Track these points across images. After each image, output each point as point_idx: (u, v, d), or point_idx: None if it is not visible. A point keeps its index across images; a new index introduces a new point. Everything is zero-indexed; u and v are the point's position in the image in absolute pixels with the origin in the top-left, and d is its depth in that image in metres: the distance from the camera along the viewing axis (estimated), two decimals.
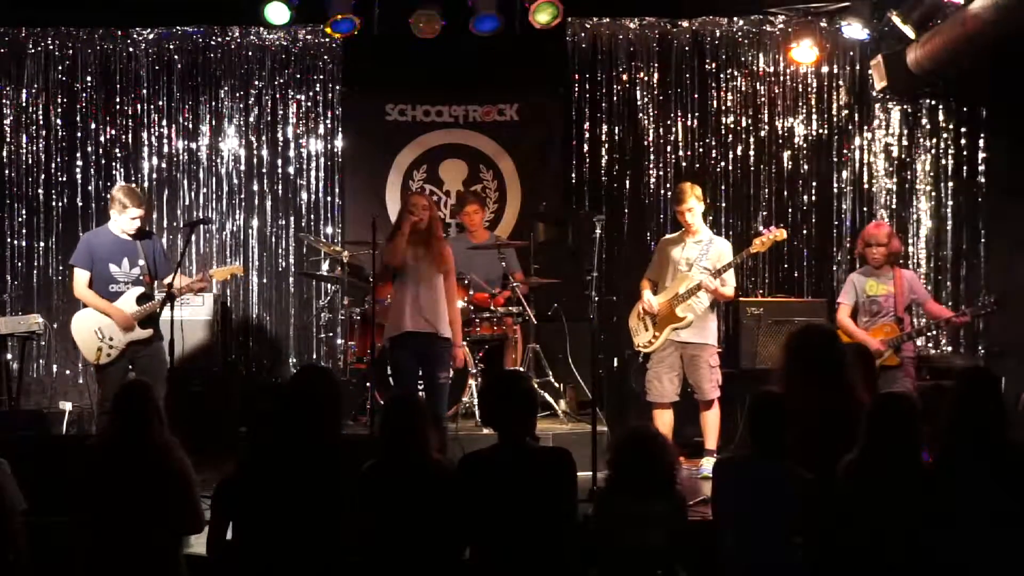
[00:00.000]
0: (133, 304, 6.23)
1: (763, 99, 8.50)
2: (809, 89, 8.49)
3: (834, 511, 3.71)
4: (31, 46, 8.37)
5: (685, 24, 8.45)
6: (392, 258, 5.99)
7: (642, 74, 8.52)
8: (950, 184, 8.31)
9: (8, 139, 8.38)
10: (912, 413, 3.76)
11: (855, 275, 6.67)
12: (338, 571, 3.78)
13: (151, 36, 8.42)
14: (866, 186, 8.45)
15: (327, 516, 3.76)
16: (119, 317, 6.17)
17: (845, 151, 8.47)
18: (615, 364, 7.93)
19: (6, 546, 4.10)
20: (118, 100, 8.43)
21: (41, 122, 8.40)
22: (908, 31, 7.20)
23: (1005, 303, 6.49)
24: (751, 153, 8.52)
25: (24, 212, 8.41)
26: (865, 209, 8.43)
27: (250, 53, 8.48)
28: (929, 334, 7.49)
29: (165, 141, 8.48)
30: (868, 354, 5.09)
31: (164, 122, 8.47)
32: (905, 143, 8.41)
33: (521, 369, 7.21)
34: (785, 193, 8.50)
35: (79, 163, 8.42)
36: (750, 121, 8.51)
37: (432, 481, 3.85)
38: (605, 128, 8.53)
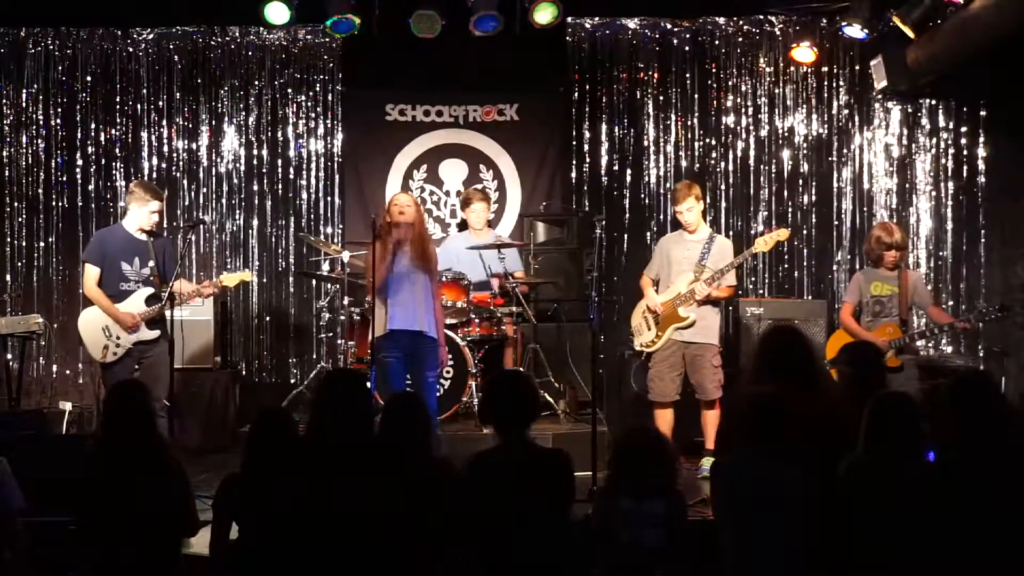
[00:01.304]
0: (142, 304, 6.22)
1: (763, 99, 8.50)
2: (809, 89, 8.49)
3: (834, 511, 3.71)
4: (31, 46, 8.38)
5: (685, 24, 8.45)
6: (380, 279, 6.00)
7: (642, 74, 8.52)
8: (950, 184, 8.31)
9: (8, 139, 8.39)
10: (912, 412, 3.76)
11: (860, 274, 6.67)
12: (339, 571, 3.78)
13: (151, 36, 8.42)
14: (866, 186, 8.45)
15: (328, 515, 3.76)
16: (128, 321, 6.15)
17: (845, 151, 8.47)
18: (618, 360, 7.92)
19: (5, 545, 4.11)
20: (118, 100, 8.44)
21: (41, 122, 8.40)
22: (908, 31, 7.20)
23: (1010, 309, 6.49)
24: (751, 153, 8.52)
25: (24, 212, 8.41)
26: (865, 209, 8.43)
27: (250, 53, 8.49)
28: (931, 337, 7.49)
29: (165, 141, 8.48)
30: (874, 352, 5.00)
31: (164, 122, 8.47)
32: (905, 143, 8.41)
33: (522, 369, 7.20)
34: (785, 193, 8.50)
35: (79, 163, 8.42)
36: (750, 121, 8.51)
37: (432, 480, 3.85)
38: (605, 128, 8.53)
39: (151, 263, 6.23)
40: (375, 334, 5.98)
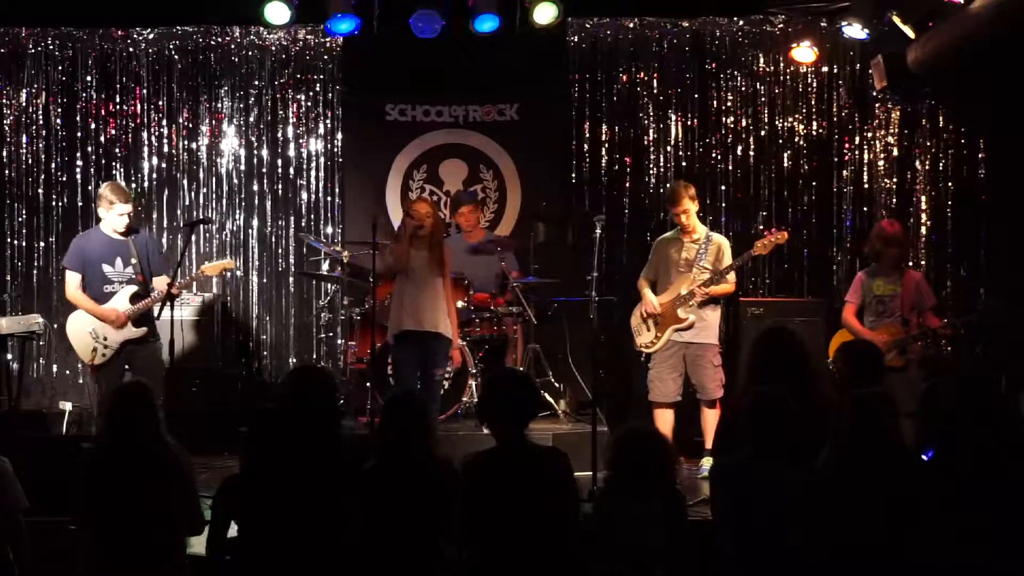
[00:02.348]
0: (126, 303, 6.23)
1: (763, 99, 8.49)
2: (809, 89, 8.49)
3: (819, 510, 3.71)
4: (31, 46, 8.36)
5: (685, 24, 8.44)
6: (397, 264, 6.17)
7: (642, 74, 8.51)
8: (950, 184, 8.30)
9: (8, 139, 8.38)
10: (886, 411, 3.75)
11: (863, 274, 6.67)
12: (340, 570, 3.78)
13: (151, 36, 8.41)
14: (866, 186, 8.44)
15: (329, 516, 3.76)
16: (112, 317, 6.16)
17: (845, 151, 8.47)
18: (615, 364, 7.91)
19: (7, 545, 4.11)
20: (118, 100, 8.43)
21: (41, 122, 8.39)
22: (908, 31, 7.20)
23: (993, 316, 6.52)
24: (751, 153, 8.51)
25: (24, 212, 8.40)
26: (865, 209, 8.42)
27: (250, 53, 8.48)
28: (932, 337, 7.48)
29: (165, 141, 8.48)
30: (869, 350, 5.03)
31: (164, 122, 8.46)
32: (905, 143, 8.40)
33: (520, 368, 7.20)
34: (785, 193, 8.49)
35: (79, 163, 8.42)
36: (750, 121, 8.50)
37: (434, 480, 3.85)
38: (605, 128, 8.53)
39: (133, 261, 6.25)
40: (389, 331, 6.10)
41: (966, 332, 7.04)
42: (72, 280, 6.26)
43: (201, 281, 6.63)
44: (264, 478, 3.80)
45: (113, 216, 6.25)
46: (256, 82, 8.49)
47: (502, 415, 3.99)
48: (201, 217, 8.13)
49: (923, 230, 8.34)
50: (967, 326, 6.59)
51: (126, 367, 6.24)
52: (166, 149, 8.48)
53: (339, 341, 7.70)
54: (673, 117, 8.51)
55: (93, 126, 8.43)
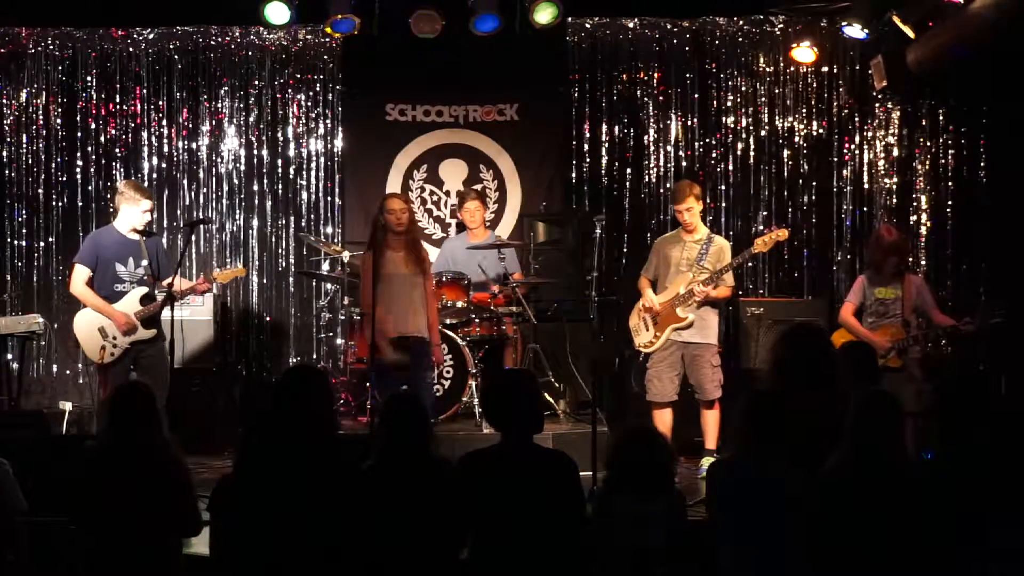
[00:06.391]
0: (137, 304, 6.22)
1: (763, 99, 8.50)
2: (809, 89, 8.49)
3: (824, 511, 3.70)
4: (31, 46, 8.37)
5: (685, 24, 8.45)
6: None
7: (642, 74, 8.52)
8: (950, 184, 8.31)
9: (8, 139, 8.39)
10: (892, 411, 3.75)
11: (864, 277, 6.65)
12: (338, 571, 3.78)
13: (151, 36, 8.42)
14: (866, 186, 8.45)
15: (327, 516, 3.76)
16: (120, 320, 6.15)
17: (845, 151, 8.47)
18: (616, 364, 7.91)
19: (6, 547, 4.11)
20: (118, 100, 8.43)
21: (41, 122, 8.40)
22: (908, 31, 7.21)
23: (1013, 313, 6.49)
24: (751, 153, 8.52)
25: (24, 212, 8.40)
26: (865, 209, 8.43)
27: (250, 53, 8.48)
28: (934, 338, 7.46)
29: (165, 141, 8.48)
30: (869, 351, 5.06)
31: (164, 122, 8.47)
32: (905, 143, 8.41)
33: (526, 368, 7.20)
34: (785, 193, 8.50)
35: (79, 163, 8.42)
36: (750, 121, 8.51)
37: (433, 480, 3.85)
38: (605, 128, 8.53)
39: (144, 262, 6.24)
40: (372, 336, 6.00)
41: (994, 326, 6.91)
42: (80, 275, 6.23)
43: (210, 287, 6.61)
44: (260, 478, 3.80)
45: (137, 212, 6.23)
46: (256, 82, 8.50)
47: (508, 417, 3.98)
48: (201, 217, 8.13)
49: (923, 230, 8.34)
50: (985, 320, 6.49)
51: (132, 367, 6.23)
52: (166, 149, 8.48)
53: (339, 341, 7.70)
54: (673, 117, 8.51)
55: (93, 126, 8.43)
